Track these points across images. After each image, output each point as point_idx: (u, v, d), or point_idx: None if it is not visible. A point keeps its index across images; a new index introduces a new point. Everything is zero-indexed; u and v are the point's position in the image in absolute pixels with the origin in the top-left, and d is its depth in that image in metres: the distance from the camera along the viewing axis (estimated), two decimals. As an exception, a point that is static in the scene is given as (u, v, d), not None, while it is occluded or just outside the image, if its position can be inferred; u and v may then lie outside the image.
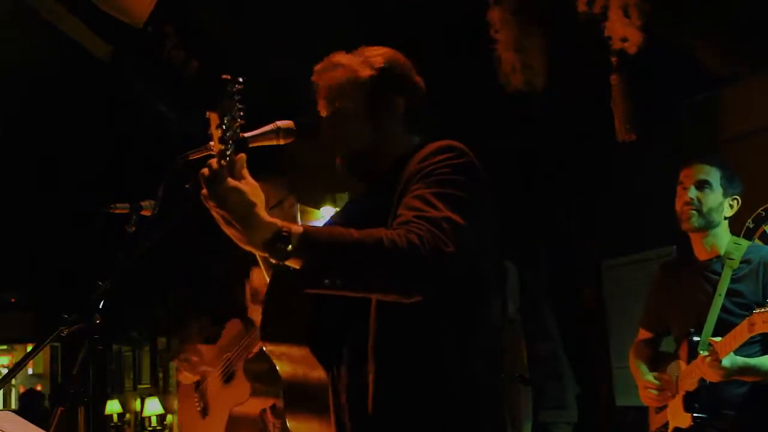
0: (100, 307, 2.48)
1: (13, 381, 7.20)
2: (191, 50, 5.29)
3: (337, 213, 2.23)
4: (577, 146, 5.25)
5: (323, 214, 5.53)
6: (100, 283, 2.56)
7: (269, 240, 1.70)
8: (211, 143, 1.75)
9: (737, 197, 3.31)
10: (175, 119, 5.76)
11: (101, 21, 5.19)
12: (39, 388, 8.40)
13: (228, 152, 1.69)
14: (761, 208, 4.12)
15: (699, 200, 3.27)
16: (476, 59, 4.99)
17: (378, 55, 2.10)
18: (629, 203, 4.86)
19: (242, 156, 1.71)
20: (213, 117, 1.72)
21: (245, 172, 1.74)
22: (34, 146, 6.39)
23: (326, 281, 1.74)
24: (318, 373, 2.00)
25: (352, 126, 2.07)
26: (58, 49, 5.49)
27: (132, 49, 5.40)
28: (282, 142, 2.04)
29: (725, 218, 3.33)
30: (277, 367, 2.13)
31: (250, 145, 1.97)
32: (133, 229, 2.78)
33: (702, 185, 3.28)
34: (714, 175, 3.27)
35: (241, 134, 1.94)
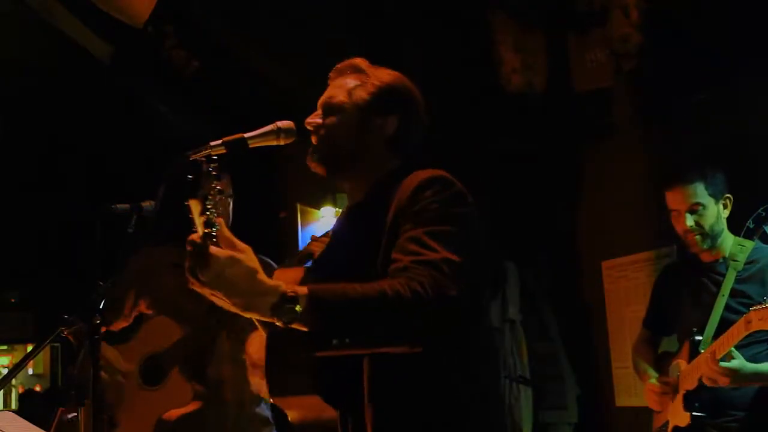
0: (101, 307, 2.48)
1: (13, 381, 7.19)
2: (191, 50, 5.29)
3: (320, 249, 2.19)
4: (577, 146, 5.24)
5: (323, 214, 5.53)
6: (100, 283, 2.56)
7: (276, 304, 1.68)
8: (195, 228, 1.69)
9: (728, 195, 3.32)
10: (175, 119, 5.75)
11: (101, 21, 5.19)
12: (38, 388, 8.39)
13: (215, 233, 1.65)
14: (761, 208, 4.11)
15: (699, 224, 3.27)
16: (476, 59, 4.99)
17: (392, 74, 2.14)
18: (629, 203, 4.86)
19: (221, 220, 1.67)
20: (194, 204, 1.68)
21: (231, 236, 1.70)
22: (34, 146, 6.38)
23: (335, 341, 1.72)
24: (329, 413, 1.99)
25: (340, 120, 2.07)
26: (58, 49, 5.48)
27: (132, 49, 5.39)
28: (282, 142, 2.03)
29: (725, 219, 3.35)
30: (288, 415, 2.10)
31: (251, 146, 1.97)
32: (133, 229, 2.78)
33: (695, 209, 3.27)
34: (702, 192, 3.27)
35: (241, 134, 1.95)
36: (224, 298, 1.68)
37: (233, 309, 1.70)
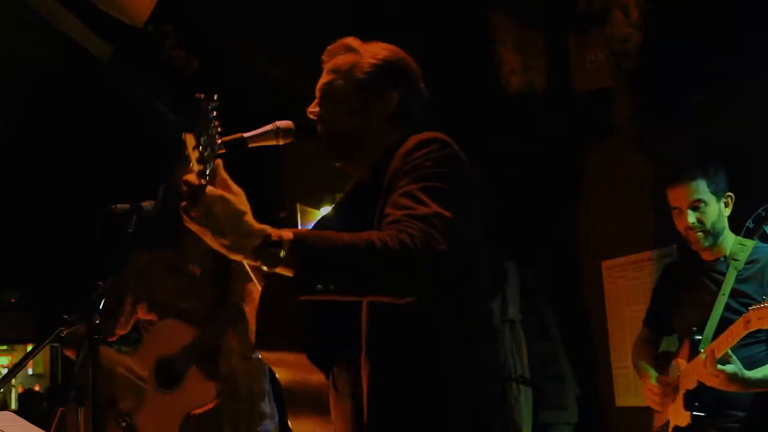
0: (101, 307, 2.48)
1: (13, 381, 7.19)
2: (191, 50, 5.29)
3: (320, 220, 2.20)
4: (577, 146, 5.24)
5: (323, 214, 5.53)
6: (100, 283, 2.56)
7: (260, 246, 1.67)
8: (190, 165, 1.70)
9: (729, 194, 3.32)
10: (175, 119, 5.75)
11: (101, 21, 5.19)
12: (37, 388, 8.40)
13: (207, 172, 1.65)
14: (761, 208, 4.11)
15: (700, 221, 3.28)
16: (476, 59, 4.99)
17: (386, 48, 2.12)
18: (629, 203, 4.86)
19: (218, 161, 1.67)
20: (189, 138, 1.67)
21: (227, 178, 1.70)
22: (34, 146, 6.39)
23: (319, 286, 1.71)
24: (317, 377, 1.99)
25: (340, 105, 2.07)
26: (58, 49, 5.49)
27: (132, 49, 5.40)
28: (282, 142, 2.04)
29: (726, 218, 3.35)
30: (276, 374, 2.12)
31: (250, 146, 1.97)
32: (133, 229, 2.78)
33: (697, 206, 3.28)
34: (703, 189, 3.27)
35: (240, 134, 1.95)
36: (211, 236, 1.67)
37: (220, 249, 1.69)
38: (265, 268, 1.70)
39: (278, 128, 2.03)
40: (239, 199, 1.69)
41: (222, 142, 1.87)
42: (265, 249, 1.67)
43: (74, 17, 5.31)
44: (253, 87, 5.21)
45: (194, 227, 1.67)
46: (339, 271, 1.73)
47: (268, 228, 1.70)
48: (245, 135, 1.96)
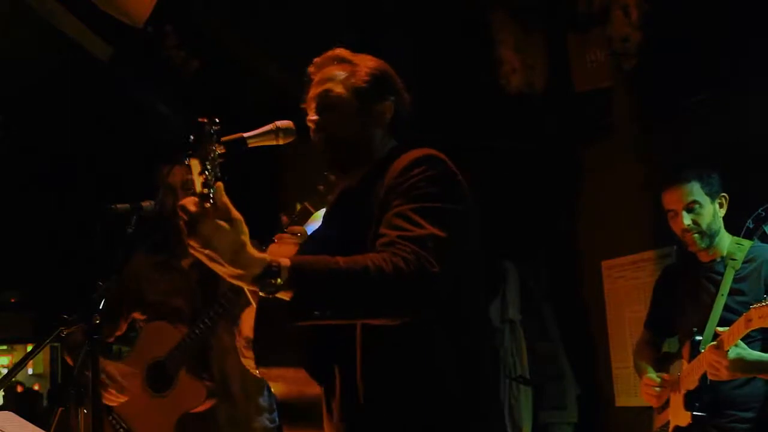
0: (100, 307, 2.49)
1: (13, 380, 7.19)
2: (191, 50, 5.29)
3: (312, 233, 2.20)
4: (577, 146, 5.24)
5: (322, 215, 5.51)
6: (100, 283, 2.57)
7: (259, 275, 1.70)
8: (195, 188, 1.70)
9: (723, 194, 3.34)
10: (175, 119, 5.75)
11: (101, 21, 5.19)
12: (37, 388, 8.41)
13: (212, 196, 1.66)
14: (761, 208, 4.12)
15: (696, 223, 3.30)
16: (476, 59, 4.99)
17: (375, 60, 2.15)
18: (629, 203, 4.86)
19: (220, 185, 1.68)
20: (194, 163, 1.68)
21: (227, 202, 1.70)
22: (33, 146, 6.38)
23: (316, 312, 1.74)
24: (313, 390, 2.01)
25: (342, 112, 2.08)
26: (58, 49, 5.48)
27: (132, 49, 5.39)
28: (281, 142, 2.04)
29: (722, 219, 3.36)
30: (272, 388, 2.14)
31: (250, 146, 1.97)
32: (133, 229, 2.79)
33: (691, 207, 3.30)
34: (697, 191, 3.30)
35: (240, 134, 1.95)
36: (211, 264, 1.71)
37: (222, 274, 1.73)
38: (262, 294, 1.73)
39: (278, 128, 2.03)
40: (237, 227, 1.68)
41: (222, 142, 1.87)
42: (265, 278, 1.70)
43: (74, 17, 5.30)
44: (253, 87, 5.21)
45: (196, 254, 1.70)
46: (335, 297, 1.76)
47: (266, 257, 1.72)
48: (245, 135, 1.96)
